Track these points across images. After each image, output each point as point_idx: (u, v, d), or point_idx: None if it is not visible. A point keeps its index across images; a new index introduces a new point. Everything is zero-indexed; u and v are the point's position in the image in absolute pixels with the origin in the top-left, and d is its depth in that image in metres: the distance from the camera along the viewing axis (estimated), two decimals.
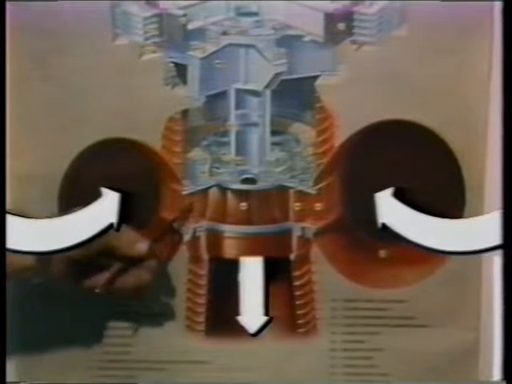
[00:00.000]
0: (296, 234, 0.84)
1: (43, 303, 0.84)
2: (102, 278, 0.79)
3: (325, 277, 0.84)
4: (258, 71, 0.81)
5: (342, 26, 0.80)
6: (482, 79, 0.79)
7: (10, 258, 0.76)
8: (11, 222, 0.77)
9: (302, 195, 0.83)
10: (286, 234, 0.84)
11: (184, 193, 0.83)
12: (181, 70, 0.81)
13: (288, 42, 0.81)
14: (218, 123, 0.83)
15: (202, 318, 0.86)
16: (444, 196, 0.81)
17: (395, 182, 0.79)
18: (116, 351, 0.86)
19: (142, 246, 0.79)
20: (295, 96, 0.82)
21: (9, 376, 0.80)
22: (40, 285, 0.80)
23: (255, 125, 0.83)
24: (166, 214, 0.84)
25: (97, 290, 0.79)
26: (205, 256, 0.85)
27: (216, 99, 0.82)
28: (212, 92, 0.82)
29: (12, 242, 0.76)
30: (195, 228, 0.84)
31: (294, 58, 0.81)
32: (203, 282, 0.85)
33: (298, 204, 0.83)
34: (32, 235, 0.78)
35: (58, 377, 0.86)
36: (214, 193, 0.83)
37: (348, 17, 0.80)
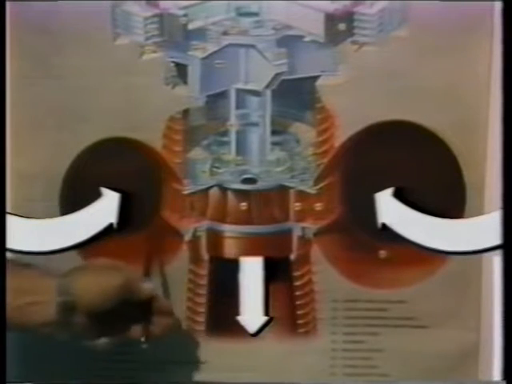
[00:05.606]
0: (296, 233, 0.84)
1: None
2: (138, 330, 0.77)
3: (325, 277, 0.84)
4: (259, 71, 0.81)
5: (342, 26, 0.80)
6: (482, 79, 0.80)
7: (29, 311, 0.72)
8: (11, 222, 0.77)
9: (302, 195, 0.83)
10: (286, 233, 0.84)
11: (185, 192, 0.83)
12: (181, 70, 0.81)
13: (288, 42, 0.81)
14: (219, 123, 0.83)
15: (202, 318, 0.86)
16: (444, 196, 0.82)
17: (395, 182, 0.80)
18: (116, 351, 0.86)
19: (148, 286, 0.77)
20: (295, 96, 0.82)
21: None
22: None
23: (255, 125, 0.83)
24: (167, 213, 0.84)
25: (144, 346, 0.78)
26: (205, 256, 0.84)
27: (216, 99, 0.82)
28: (212, 92, 0.82)
29: (12, 242, 0.76)
30: (196, 228, 0.84)
31: (295, 58, 0.81)
32: (203, 281, 0.85)
33: (298, 204, 0.83)
34: (32, 235, 0.78)
35: (58, 376, 0.86)
36: (214, 192, 0.84)
37: (348, 17, 0.80)
